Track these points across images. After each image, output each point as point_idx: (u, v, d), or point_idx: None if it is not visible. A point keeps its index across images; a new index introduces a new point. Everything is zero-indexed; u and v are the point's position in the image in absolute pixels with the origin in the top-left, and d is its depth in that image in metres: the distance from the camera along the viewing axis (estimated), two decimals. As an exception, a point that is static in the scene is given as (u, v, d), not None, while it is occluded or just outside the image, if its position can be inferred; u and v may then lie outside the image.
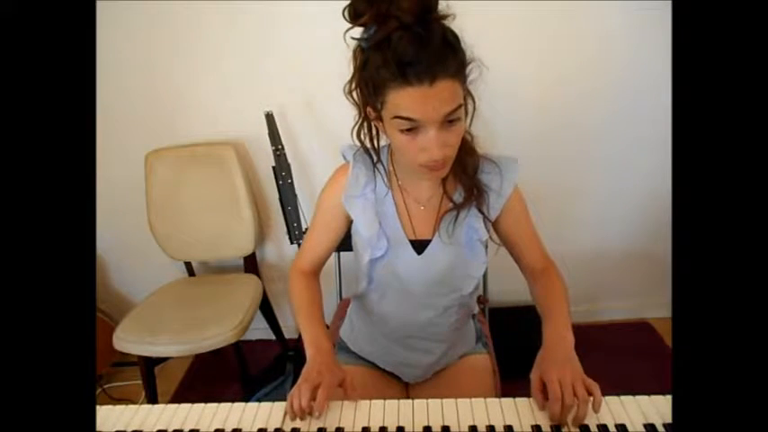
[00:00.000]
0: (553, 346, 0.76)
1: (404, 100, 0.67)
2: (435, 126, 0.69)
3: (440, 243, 0.87)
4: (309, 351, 0.81)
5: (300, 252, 0.98)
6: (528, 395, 0.74)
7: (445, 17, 0.67)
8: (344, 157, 0.92)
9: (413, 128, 0.70)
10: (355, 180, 0.88)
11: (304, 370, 0.77)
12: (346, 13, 0.68)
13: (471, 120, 0.78)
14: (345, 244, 0.98)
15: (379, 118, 0.74)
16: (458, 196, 0.86)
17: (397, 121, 0.69)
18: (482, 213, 0.86)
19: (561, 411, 0.67)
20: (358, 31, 0.70)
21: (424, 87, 0.65)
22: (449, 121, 0.69)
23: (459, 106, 0.70)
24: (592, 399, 0.68)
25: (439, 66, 0.65)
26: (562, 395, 0.68)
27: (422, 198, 0.88)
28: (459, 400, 0.74)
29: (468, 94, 0.74)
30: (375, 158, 0.86)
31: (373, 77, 0.69)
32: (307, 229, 1.59)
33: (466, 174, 0.84)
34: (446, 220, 0.86)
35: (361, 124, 0.80)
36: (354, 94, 0.75)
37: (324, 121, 1.59)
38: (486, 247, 0.91)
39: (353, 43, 0.71)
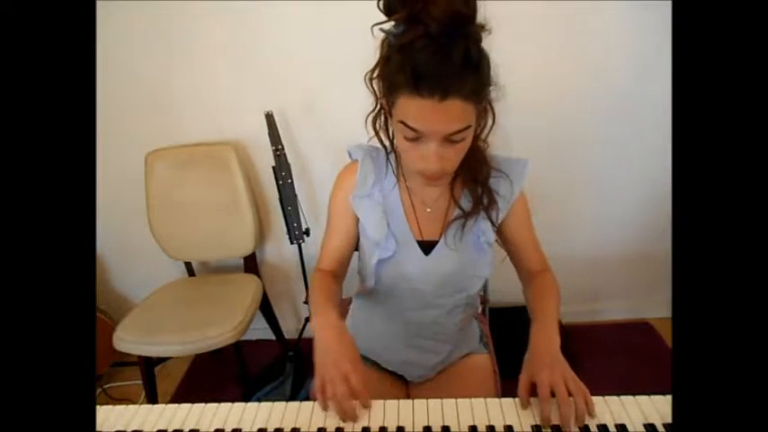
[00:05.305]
0: (539, 348, 0.76)
1: (411, 109, 0.67)
2: (437, 140, 0.69)
3: (447, 246, 0.87)
4: (319, 334, 0.76)
5: (320, 255, 0.96)
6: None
7: (477, 34, 0.65)
8: (350, 156, 0.92)
9: (415, 137, 0.70)
10: (363, 180, 0.88)
11: (318, 361, 0.74)
12: (381, 5, 0.67)
13: (489, 132, 0.78)
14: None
15: (390, 114, 0.74)
16: (465, 202, 0.86)
17: (401, 126, 0.70)
18: (490, 219, 0.86)
19: (562, 411, 0.67)
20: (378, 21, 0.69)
21: (434, 102, 0.64)
22: (452, 140, 0.69)
23: (467, 127, 0.69)
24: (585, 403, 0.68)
25: (453, 84, 0.63)
26: (556, 395, 0.68)
27: (428, 200, 0.88)
28: (459, 400, 0.74)
29: (488, 109, 0.73)
30: (389, 149, 0.85)
31: (389, 77, 0.69)
32: (307, 229, 1.59)
33: (475, 181, 0.84)
34: (453, 227, 0.86)
35: (378, 113, 0.79)
36: (374, 82, 0.75)
37: (324, 120, 1.59)
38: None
39: (359, 37, 0.72)
